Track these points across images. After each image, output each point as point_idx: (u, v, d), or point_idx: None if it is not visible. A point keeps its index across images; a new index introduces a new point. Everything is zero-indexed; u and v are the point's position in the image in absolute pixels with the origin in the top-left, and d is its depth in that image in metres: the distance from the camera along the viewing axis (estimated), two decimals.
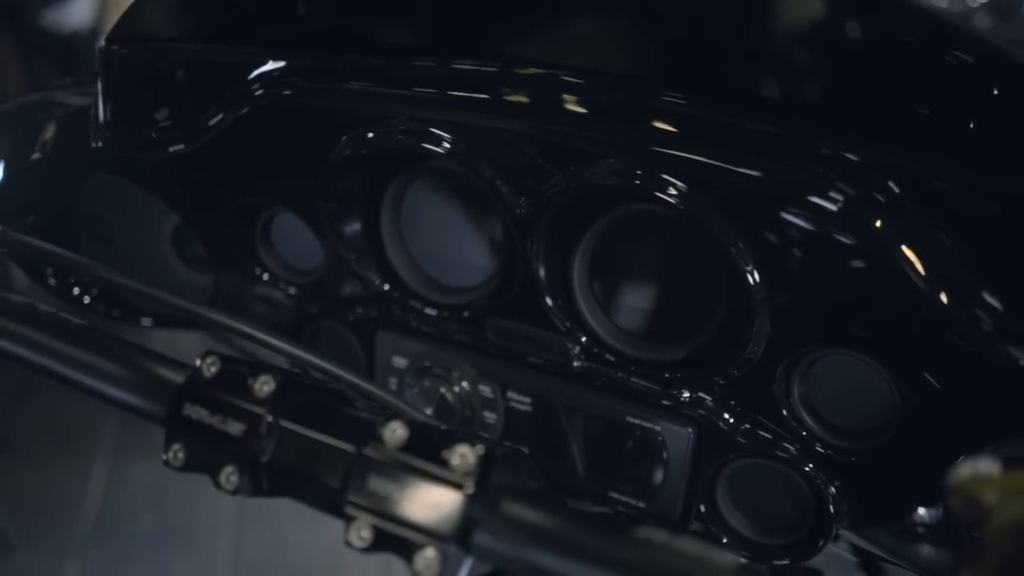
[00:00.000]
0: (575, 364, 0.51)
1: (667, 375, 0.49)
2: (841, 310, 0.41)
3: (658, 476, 0.51)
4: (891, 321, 0.39)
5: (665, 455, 0.50)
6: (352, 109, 0.50)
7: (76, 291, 0.64)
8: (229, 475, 0.34)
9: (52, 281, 0.63)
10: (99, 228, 0.65)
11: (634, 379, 0.50)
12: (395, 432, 0.32)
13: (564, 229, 0.48)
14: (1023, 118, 0.36)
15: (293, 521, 1.90)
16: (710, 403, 0.48)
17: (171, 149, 0.53)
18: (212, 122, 0.52)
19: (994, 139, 0.37)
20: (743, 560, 0.28)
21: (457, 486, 0.31)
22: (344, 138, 0.50)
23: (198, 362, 0.36)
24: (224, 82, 0.53)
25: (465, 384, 0.54)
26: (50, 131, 0.63)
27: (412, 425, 0.32)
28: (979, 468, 0.26)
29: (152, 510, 1.96)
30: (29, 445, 2.17)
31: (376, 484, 0.31)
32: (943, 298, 0.36)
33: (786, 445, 0.47)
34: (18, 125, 0.65)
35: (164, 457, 0.36)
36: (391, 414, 0.34)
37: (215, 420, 0.35)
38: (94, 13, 3.21)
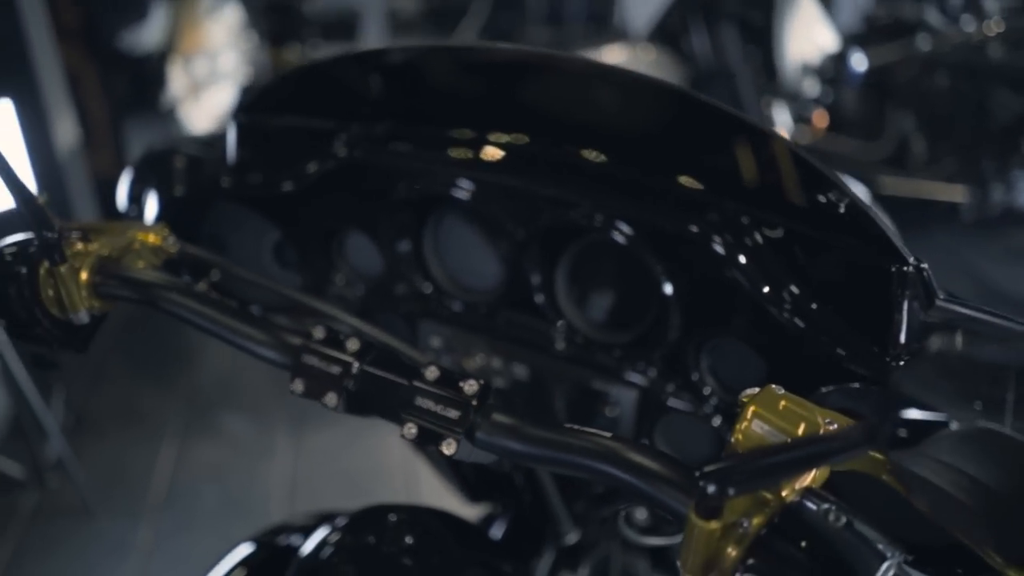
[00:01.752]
0: (557, 345, 0.73)
1: (620, 353, 0.70)
2: (723, 309, 0.62)
3: (612, 427, 0.72)
4: (749, 316, 0.60)
5: (619, 411, 0.72)
6: (405, 166, 0.73)
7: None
8: (330, 399, 0.56)
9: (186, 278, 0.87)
10: (217, 242, 0.88)
11: (597, 355, 0.72)
12: (431, 371, 0.54)
13: (549, 251, 0.70)
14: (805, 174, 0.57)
15: (338, 493, 2.14)
16: (649, 373, 0.70)
17: (281, 189, 0.77)
18: (310, 171, 0.76)
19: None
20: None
21: (467, 403, 0.52)
22: (400, 185, 0.73)
23: (312, 330, 0.59)
24: (318, 143, 0.76)
25: (480, 357, 0.76)
26: (184, 171, 0.86)
27: (441, 368, 0.54)
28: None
29: (214, 483, 2.20)
30: (105, 425, 2.43)
31: (419, 401, 0.53)
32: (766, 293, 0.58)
33: (698, 400, 0.68)
34: (158, 166, 0.89)
35: (290, 388, 0.58)
36: (428, 362, 0.56)
37: (323, 365, 0.57)
38: (164, 36, 3.48)
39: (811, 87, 2.43)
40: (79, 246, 0.62)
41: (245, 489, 2.18)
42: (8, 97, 1.76)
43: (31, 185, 0.59)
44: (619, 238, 0.64)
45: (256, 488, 2.18)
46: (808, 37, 2.39)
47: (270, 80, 0.78)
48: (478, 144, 0.71)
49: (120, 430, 2.41)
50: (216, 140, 0.83)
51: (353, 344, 0.57)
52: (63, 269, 0.60)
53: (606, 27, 4.54)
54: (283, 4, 3.16)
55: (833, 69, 2.33)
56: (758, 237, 0.59)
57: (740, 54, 2.31)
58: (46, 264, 0.60)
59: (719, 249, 0.59)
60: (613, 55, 2.29)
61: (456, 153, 0.71)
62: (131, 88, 3.49)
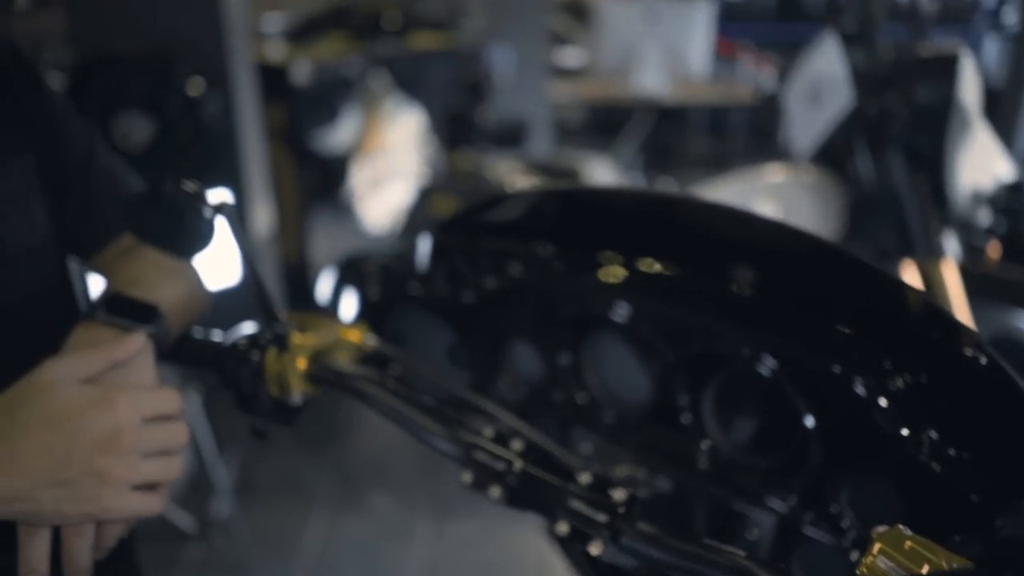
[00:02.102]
0: (700, 463, 0.78)
1: (761, 477, 0.74)
2: (863, 447, 0.66)
3: (749, 548, 0.76)
4: (888, 456, 0.64)
5: (757, 534, 0.75)
6: (569, 288, 0.82)
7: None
8: (494, 492, 0.64)
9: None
10: (399, 339, 1.00)
11: (739, 477, 0.76)
12: (585, 476, 0.61)
13: (697, 374, 0.76)
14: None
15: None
16: (788, 500, 0.73)
17: (461, 300, 0.88)
18: (487, 287, 0.86)
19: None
20: None
21: (615, 509, 0.59)
22: (564, 305, 0.82)
23: (483, 428, 0.67)
24: (496, 263, 0.87)
25: (627, 467, 0.82)
26: (377, 276, 1.00)
27: (594, 474, 0.61)
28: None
29: (359, 557, 2.32)
30: (267, 491, 2.62)
31: (572, 502, 0.60)
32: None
33: (836, 531, 0.70)
34: (354, 270, 1.03)
35: (460, 479, 0.66)
36: (582, 467, 0.63)
37: (490, 460, 0.65)
38: (351, 136, 3.85)
39: (984, 216, 2.37)
40: (297, 338, 0.74)
41: (386, 567, 2.28)
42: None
43: (240, 272, 0.72)
44: (764, 370, 0.69)
45: (397, 567, 2.28)
46: (981, 165, 2.34)
47: (458, 210, 0.91)
48: (635, 272, 0.79)
49: (280, 497, 2.59)
50: (404, 251, 0.96)
51: (517, 444, 0.65)
52: (285, 357, 0.72)
53: (768, 142, 4.58)
54: (459, 112, 3.45)
55: (1009, 199, 2.26)
56: (899, 382, 0.63)
57: (907, 180, 2.29)
58: (273, 351, 0.72)
59: (860, 390, 0.63)
60: (773, 175, 2.34)
61: (615, 279, 0.79)
62: (318, 182, 3.85)
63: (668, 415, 0.79)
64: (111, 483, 0.60)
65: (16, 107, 0.79)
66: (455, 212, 0.90)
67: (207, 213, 0.69)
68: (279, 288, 3.32)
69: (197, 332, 0.80)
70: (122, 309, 0.70)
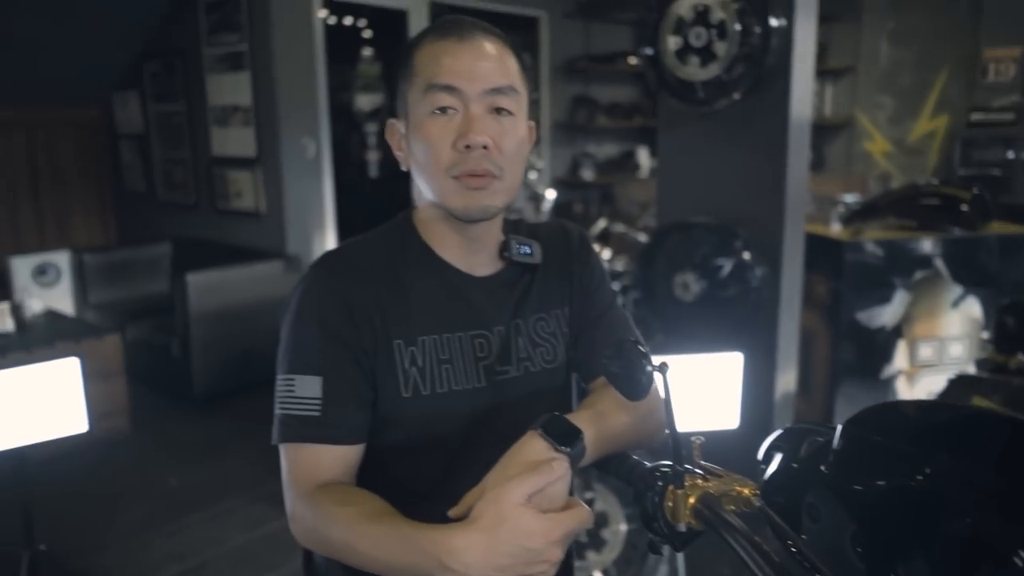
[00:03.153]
0: None
1: None
2: None
3: None
4: None
5: None
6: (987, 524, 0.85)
7: None
8: None
9: None
10: (813, 512, 1.09)
11: None
12: None
13: None
14: None
15: None
16: None
17: (864, 493, 0.95)
18: (886, 487, 0.93)
19: None
20: None
21: None
22: (953, 523, 0.84)
23: None
24: (901, 465, 0.93)
25: None
26: (802, 449, 1.11)
27: None
28: None
29: None
30: None
31: None
32: None
33: None
34: (789, 439, 1.16)
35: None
36: None
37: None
38: (898, 317, 3.77)
39: None
40: (699, 481, 0.93)
41: None
42: (739, 351, 2.28)
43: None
44: None
45: None
46: None
47: (880, 406, 0.98)
48: None
49: None
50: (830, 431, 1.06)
51: None
52: (679, 492, 0.91)
53: None
54: (1016, 306, 3.08)
55: None
56: None
57: None
58: (672, 486, 0.92)
59: None
60: None
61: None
62: (856, 354, 3.85)
63: None
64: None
65: (568, 274, 1.23)
66: (873, 408, 0.99)
67: (649, 369, 0.94)
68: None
69: (636, 454, 1.05)
70: (555, 429, 0.96)
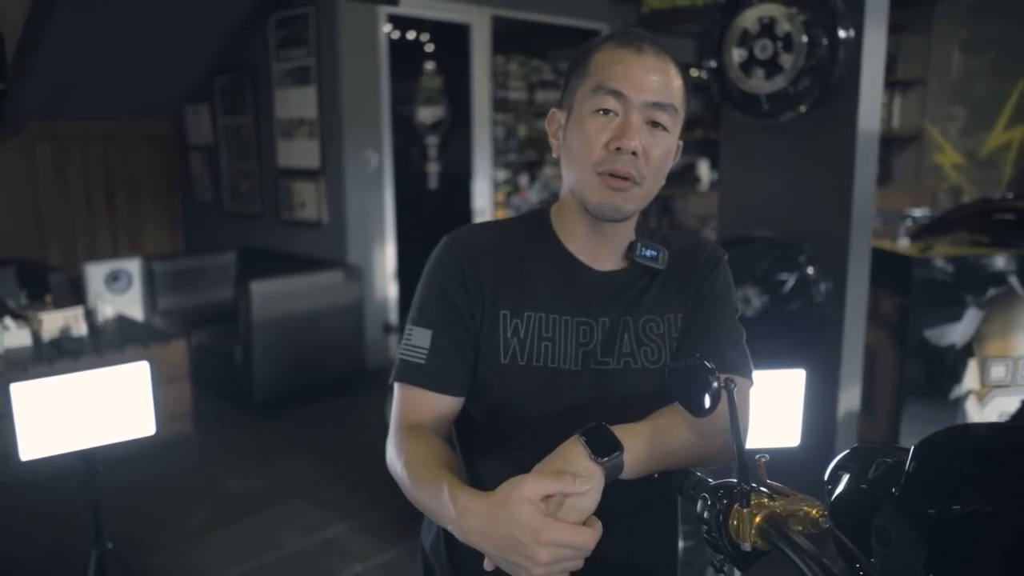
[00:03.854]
0: None
1: None
2: None
3: None
4: None
5: None
6: None
7: None
8: None
9: None
10: (883, 536, 1.06)
11: None
12: None
13: None
14: None
15: None
16: None
17: (933, 518, 0.92)
18: (959, 512, 0.89)
19: None
20: None
21: None
22: None
23: None
24: (976, 489, 0.89)
25: None
26: (872, 470, 1.08)
27: None
28: None
29: None
30: None
31: None
32: None
33: None
34: (858, 458, 1.13)
35: None
36: None
37: None
38: (969, 336, 3.65)
39: None
40: (764, 500, 0.91)
41: None
42: (801, 368, 2.24)
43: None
44: None
45: None
46: None
47: (954, 428, 0.95)
48: None
49: None
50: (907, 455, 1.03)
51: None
52: (745, 511, 0.90)
53: None
54: None
55: None
56: None
57: None
58: (737, 504, 0.91)
59: None
60: None
61: None
62: (924, 372, 3.73)
63: None
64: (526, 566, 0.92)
65: (687, 284, 1.25)
66: (946, 436, 0.95)
67: (715, 384, 0.93)
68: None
69: (700, 471, 1.03)
70: (596, 438, 0.99)
